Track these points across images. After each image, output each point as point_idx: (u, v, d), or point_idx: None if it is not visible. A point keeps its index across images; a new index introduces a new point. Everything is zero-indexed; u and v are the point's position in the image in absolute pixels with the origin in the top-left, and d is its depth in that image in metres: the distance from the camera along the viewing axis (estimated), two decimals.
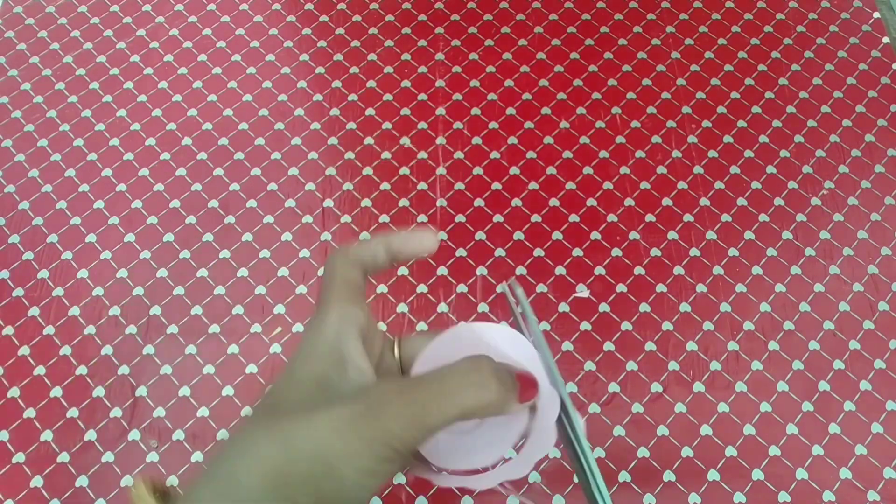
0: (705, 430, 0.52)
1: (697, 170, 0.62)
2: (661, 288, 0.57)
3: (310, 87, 0.66)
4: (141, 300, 0.56)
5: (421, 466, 0.26)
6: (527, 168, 0.62)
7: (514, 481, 0.27)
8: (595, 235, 0.59)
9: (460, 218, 0.60)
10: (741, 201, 0.60)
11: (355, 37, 0.69)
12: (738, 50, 0.68)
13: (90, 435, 0.52)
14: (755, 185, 0.61)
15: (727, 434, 0.52)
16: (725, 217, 0.60)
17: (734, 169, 0.62)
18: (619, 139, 0.63)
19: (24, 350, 0.55)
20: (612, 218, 0.60)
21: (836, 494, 0.49)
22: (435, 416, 0.22)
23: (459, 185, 0.61)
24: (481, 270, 0.58)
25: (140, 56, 0.68)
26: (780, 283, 0.57)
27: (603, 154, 0.63)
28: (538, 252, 0.58)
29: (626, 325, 0.55)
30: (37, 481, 0.50)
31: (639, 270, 0.58)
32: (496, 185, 0.61)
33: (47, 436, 0.52)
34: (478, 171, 0.62)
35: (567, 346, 0.55)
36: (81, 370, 0.54)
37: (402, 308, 0.56)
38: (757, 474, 0.50)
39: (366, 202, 0.61)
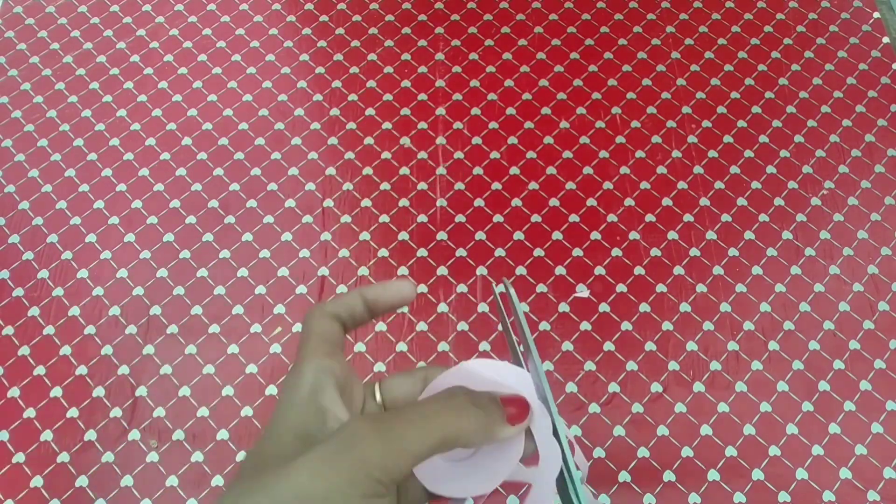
0: (705, 430, 0.52)
1: (697, 170, 0.62)
2: (661, 288, 0.57)
3: (310, 87, 0.66)
4: (141, 300, 0.56)
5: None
6: (527, 168, 0.62)
7: None
8: (595, 235, 0.59)
9: (460, 218, 0.60)
10: (741, 201, 0.60)
11: (355, 37, 0.69)
12: (738, 50, 0.68)
13: (90, 435, 0.52)
14: (755, 185, 0.61)
15: (727, 434, 0.52)
16: (725, 217, 0.60)
17: (734, 169, 0.62)
18: (619, 139, 0.63)
19: (24, 350, 0.55)
20: (612, 218, 0.60)
21: (836, 494, 0.49)
22: (414, 443, 0.22)
23: (459, 185, 0.61)
24: (481, 270, 0.58)
25: (140, 56, 0.68)
26: (780, 283, 0.57)
27: (603, 154, 0.63)
28: (538, 252, 0.58)
29: (626, 325, 0.55)
30: (37, 481, 0.50)
31: (639, 270, 0.58)
32: (496, 185, 0.61)
33: (47, 436, 0.52)
34: (478, 171, 0.62)
35: (567, 346, 0.55)
36: (81, 370, 0.54)
37: (402, 308, 0.56)
38: (757, 474, 0.50)
39: (366, 202, 0.61)
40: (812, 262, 0.58)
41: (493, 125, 0.64)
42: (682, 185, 0.61)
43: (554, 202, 0.60)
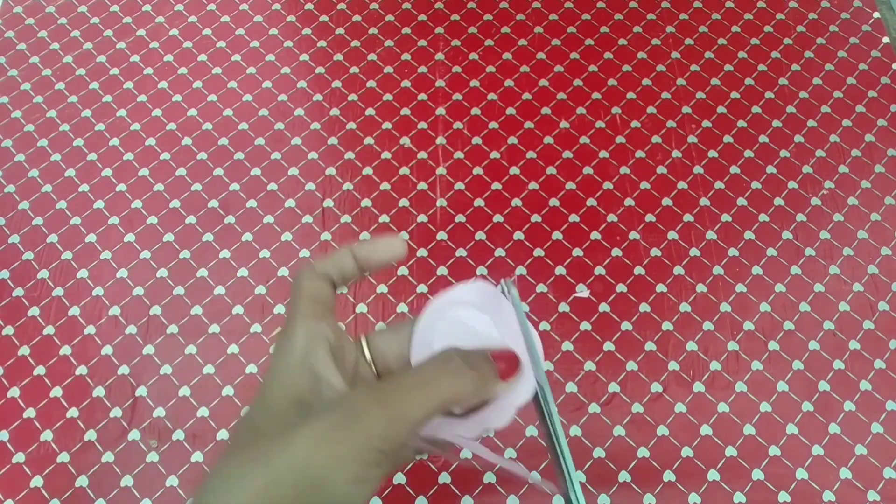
0: (705, 430, 0.52)
1: (697, 170, 0.62)
2: (661, 288, 0.57)
3: (310, 87, 0.66)
4: (141, 300, 0.56)
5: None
6: (527, 168, 0.62)
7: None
8: (595, 235, 0.59)
9: (460, 218, 0.60)
10: (741, 201, 0.60)
11: (355, 37, 0.69)
12: (738, 50, 0.68)
13: (90, 435, 0.52)
14: (755, 185, 0.61)
15: (727, 434, 0.52)
16: (725, 217, 0.60)
17: (734, 169, 0.62)
18: (619, 139, 0.63)
19: (24, 350, 0.55)
20: (612, 218, 0.60)
21: (836, 494, 0.49)
22: (415, 409, 0.22)
23: (459, 185, 0.61)
24: (481, 270, 0.58)
25: (140, 56, 0.68)
26: (780, 283, 0.57)
27: (603, 154, 0.63)
28: (538, 252, 0.58)
29: (626, 325, 0.55)
30: (37, 481, 0.50)
31: (639, 270, 0.58)
32: (496, 185, 0.61)
33: (47, 436, 0.52)
34: (478, 171, 0.62)
35: (567, 346, 0.55)
36: (81, 370, 0.54)
37: (402, 308, 0.56)
38: (757, 474, 0.50)
39: (366, 202, 0.61)
40: (812, 262, 0.58)
41: (493, 125, 0.64)
42: (682, 185, 0.61)
43: (554, 202, 0.60)
